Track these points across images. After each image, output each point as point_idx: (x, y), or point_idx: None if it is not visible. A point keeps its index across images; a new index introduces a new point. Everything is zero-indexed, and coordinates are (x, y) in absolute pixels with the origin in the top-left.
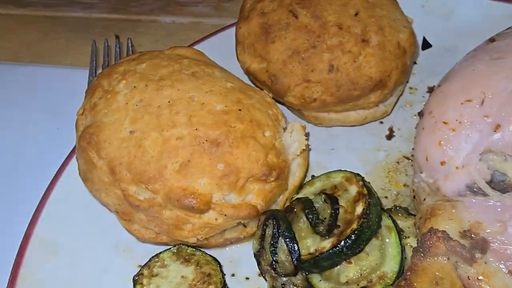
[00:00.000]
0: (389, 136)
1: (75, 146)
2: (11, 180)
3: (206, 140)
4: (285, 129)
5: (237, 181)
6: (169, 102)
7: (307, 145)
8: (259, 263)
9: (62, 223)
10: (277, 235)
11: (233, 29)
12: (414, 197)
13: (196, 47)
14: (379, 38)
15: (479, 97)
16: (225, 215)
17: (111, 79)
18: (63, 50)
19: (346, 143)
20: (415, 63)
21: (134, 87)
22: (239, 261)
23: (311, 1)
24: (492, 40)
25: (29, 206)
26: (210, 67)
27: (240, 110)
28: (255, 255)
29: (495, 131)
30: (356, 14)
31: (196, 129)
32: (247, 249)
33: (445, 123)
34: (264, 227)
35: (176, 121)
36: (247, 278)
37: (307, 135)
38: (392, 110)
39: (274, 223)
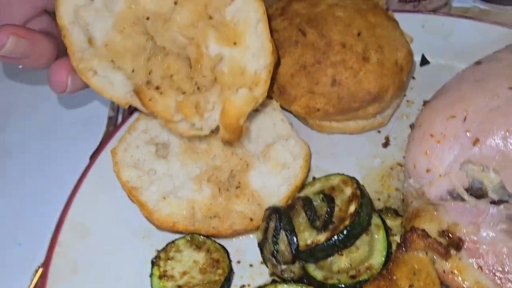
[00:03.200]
0: (385, 145)
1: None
2: (43, 173)
3: None
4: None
5: None
6: None
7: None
8: (262, 252)
9: (92, 209)
10: (279, 228)
11: None
12: (403, 200)
13: None
14: (379, 56)
15: (462, 114)
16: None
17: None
18: None
19: (345, 149)
20: (413, 78)
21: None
22: (245, 250)
23: (319, 21)
24: (478, 62)
25: (64, 192)
26: None
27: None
28: (258, 245)
29: (474, 144)
30: (359, 34)
31: None
32: (252, 240)
33: (431, 135)
34: (268, 220)
35: None
36: (251, 265)
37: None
38: (389, 121)
39: (277, 217)
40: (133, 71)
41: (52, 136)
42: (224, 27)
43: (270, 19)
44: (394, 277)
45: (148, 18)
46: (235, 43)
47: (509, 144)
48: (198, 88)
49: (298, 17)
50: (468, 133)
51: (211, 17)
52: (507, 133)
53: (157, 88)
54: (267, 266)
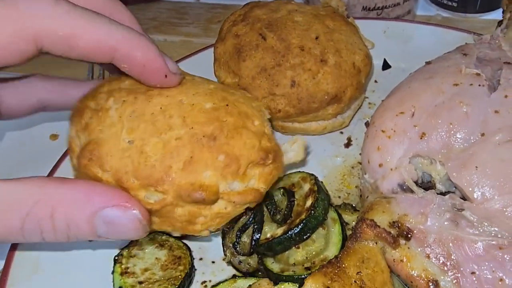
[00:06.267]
0: (347, 145)
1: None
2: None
3: (203, 136)
4: (269, 119)
5: (239, 168)
6: (161, 108)
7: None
8: (223, 238)
9: None
10: (248, 225)
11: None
12: (361, 195)
13: (181, 63)
14: (336, 59)
15: (410, 110)
16: (233, 202)
17: (97, 99)
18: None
19: (309, 150)
20: (375, 81)
21: (124, 101)
22: (207, 248)
23: (278, 26)
24: (428, 63)
25: None
26: (189, 75)
27: (227, 105)
28: (222, 231)
29: (421, 138)
30: (317, 38)
31: (192, 128)
32: (215, 238)
33: (383, 131)
34: (243, 213)
35: (172, 123)
36: (213, 262)
37: (306, 151)
38: (350, 122)
39: (252, 216)
40: None
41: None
42: None
43: (232, 25)
44: (343, 265)
45: None
46: None
47: (453, 137)
48: None
49: (259, 22)
50: (415, 128)
51: None
52: (450, 126)
53: None
54: (225, 255)
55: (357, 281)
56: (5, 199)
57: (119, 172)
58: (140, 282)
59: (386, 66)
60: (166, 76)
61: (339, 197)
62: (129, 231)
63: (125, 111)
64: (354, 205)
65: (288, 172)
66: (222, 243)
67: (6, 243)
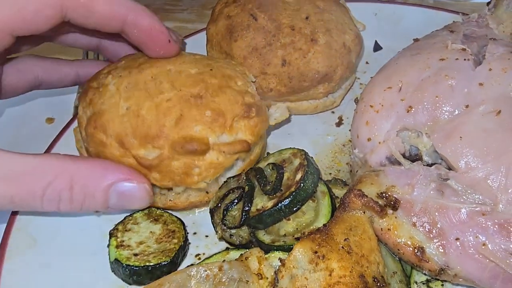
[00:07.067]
0: (339, 124)
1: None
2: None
3: (191, 96)
4: (254, 82)
5: (225, 122)
6: (152, 77)
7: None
8: (212, 217)
9: None
10: (236, 202)
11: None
12: (351, 171)
13: None
14: (327, 38)
15: (397, 84)
16: (224, 152)
17: (98, 79)
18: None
19: (301, 129)
20: (367, 63)
21: (120, 76)
22: (201, 223)
23: (269, 7)
24: (416, 40)
25: None
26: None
27: (211, 69)
28: (210, 210)
29: (408, 112)
30: (307, 18)
31: (180, 90)
32: (208, 214)
33: (371, 106)
34: (230, 191)
35: (162, 88)
36: (206, 236)
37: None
38: (341, 102)
39: (239, 194)
40: None
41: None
42: None
43: (224, 6)
44: (331, 233)
45: None
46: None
47: (438, 109)
48: None
49: (250, 3)
50: (402, 102)
51: None
52: (436, 99)
53: None
54: (216, 232)
55: (344, 247)
56: (26, 169)
57: (120, 135)
58: (135, 254)
59: (377, 47)
60: (169, 41)
61: (330, 173)
62: (138, 201)
63: (122, 84)
64: (344, 180)
65: (279, 150)
66: (212, 222)
67: (23, 209)
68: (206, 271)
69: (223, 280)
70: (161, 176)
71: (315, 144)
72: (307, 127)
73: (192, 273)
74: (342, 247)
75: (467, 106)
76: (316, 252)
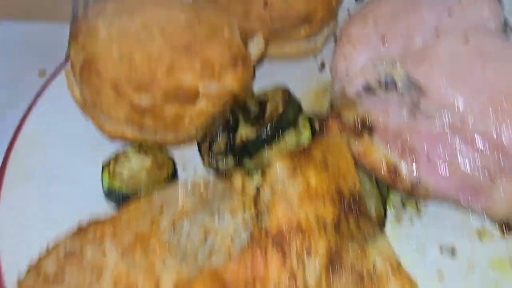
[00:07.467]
0: (321, 68)
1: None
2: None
3: (180, 45)
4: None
5: (213, 71)
6: (142, 24)
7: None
8: (200, 150)
9: (47, 124)
10: (220, 131)
11: None
12: (332, 106)
13: None
14: None
15: (373, 19)
16: (212, 100)
17: (88, 23)
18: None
19: (284, 75)
20: (348, 11)
21: (110, 20)
22: (190, 158)
23: None
24: None
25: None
26: None
27: (199, 18)
28: (197, 143)
29: (382, 43)
30: None
31: (170, 39)
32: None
33: (348, 42)
34: (216, 124)
35: (153, 37)
36: (195, 172)
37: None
38: (323, 46)
39: (225, 124)
40: None
41: None
42: None
43: None
44: (310, 152)
45: None
46: None
47: (410, 39)
48: None
49: None
50: (377, 35)
51: None
52: (408, 29)
53: None
54: (203, 160)
55: (322, 163)
56: None
57: (114, 80)
58: (127, 184)
59: None
60: None
61: None
62: None
63: (113, 29)
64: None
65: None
66: (200, 154)
67: None
68: (193, 185)
69: (209, 196)
70: (154, 122)
71: (298, 89)
72: (290, 73)
73: (180, 186)
74: (320, 163)
75: (438, 36)
76: (294, 168)
